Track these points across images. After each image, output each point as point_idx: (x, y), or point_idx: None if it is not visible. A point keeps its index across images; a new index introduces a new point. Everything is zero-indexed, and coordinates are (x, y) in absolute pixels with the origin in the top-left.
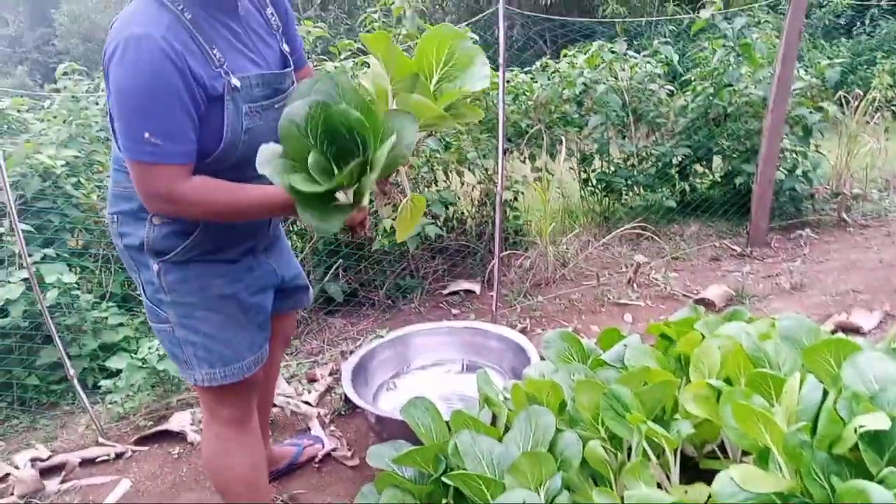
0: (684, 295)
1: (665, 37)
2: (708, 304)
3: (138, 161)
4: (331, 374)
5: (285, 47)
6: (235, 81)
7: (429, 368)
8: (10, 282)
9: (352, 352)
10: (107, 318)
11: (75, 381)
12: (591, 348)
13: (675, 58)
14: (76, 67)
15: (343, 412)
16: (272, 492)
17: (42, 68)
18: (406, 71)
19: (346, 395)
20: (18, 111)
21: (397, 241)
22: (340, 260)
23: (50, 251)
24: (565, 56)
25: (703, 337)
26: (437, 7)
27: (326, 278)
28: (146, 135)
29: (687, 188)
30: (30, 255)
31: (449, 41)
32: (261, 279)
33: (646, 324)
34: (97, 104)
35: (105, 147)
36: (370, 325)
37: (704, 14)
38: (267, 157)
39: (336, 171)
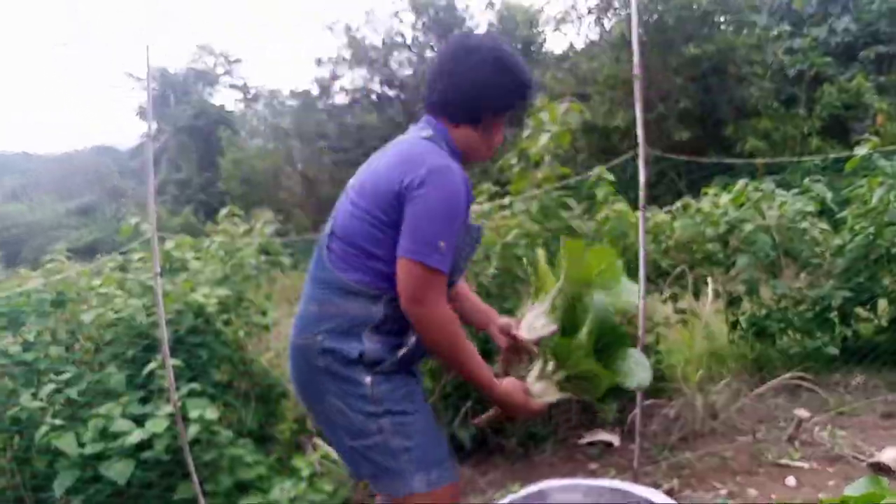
0: (854, 457)
1: (811, 173)
2: (884, 469)
3: (425, 263)
4: None
5: None
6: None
7: None
8: (156, 415)
9: None
10: (243, 455)
11: None
12: None
13: (829, 195)
14: (236, 212)
15: None
16: None
17: (206, 208)
18: (578, 278)
19: None
20: (181, 252)
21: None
22: (469, 402)
23: (196, 386)
24: (706, 194)
25: None
26: (571, 149)
27: (456, 422)
28: (441, 244)
29: (849, 334)
30: (177, 390)
31: (609, 257)
32: None
33: (811, 489)
34: (251, 245)
35: (252, 285)
36: (500, 475)
37: (860, 151)
38: None
39: None
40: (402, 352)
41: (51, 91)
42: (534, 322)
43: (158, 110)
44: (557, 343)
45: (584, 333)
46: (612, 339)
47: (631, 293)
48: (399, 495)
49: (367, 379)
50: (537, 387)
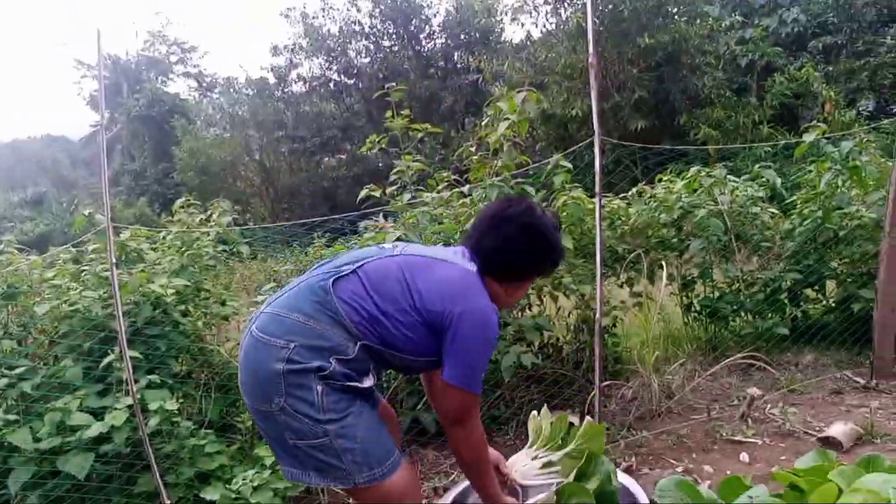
0: (805, 432)
1: (762, 159)
2: (833, 443)
3: (471, 391)
4: None
5: None
6: None
7: None
8: (115, 408)
9: (445, 488)
10: (204, 445)
11: None
12: (711, 498)
13: (778, 181)
14: (192, 201)
15: None
16: None
17: (161, 199)
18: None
19: None
20: (136, 242)
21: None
22: None
23: (155, 377)
24: (661, 181)
25: (841, 490)
26: (528, 136)
27: (419, 406)
28: (481, 374)
29: (799, 315)
30: (135, 382)
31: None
32: None
33: (764, 464)
34: (208, 235)
35: (210, 275)
36: None
37: (808, 137)
38: None
39: None
40: (354, 384)
41: None
42: (526, 471)
43: (111, 99)
44: (569, 484)
45: (591, 485)
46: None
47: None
48: (346, 486)
49: (318, 388)
50: None
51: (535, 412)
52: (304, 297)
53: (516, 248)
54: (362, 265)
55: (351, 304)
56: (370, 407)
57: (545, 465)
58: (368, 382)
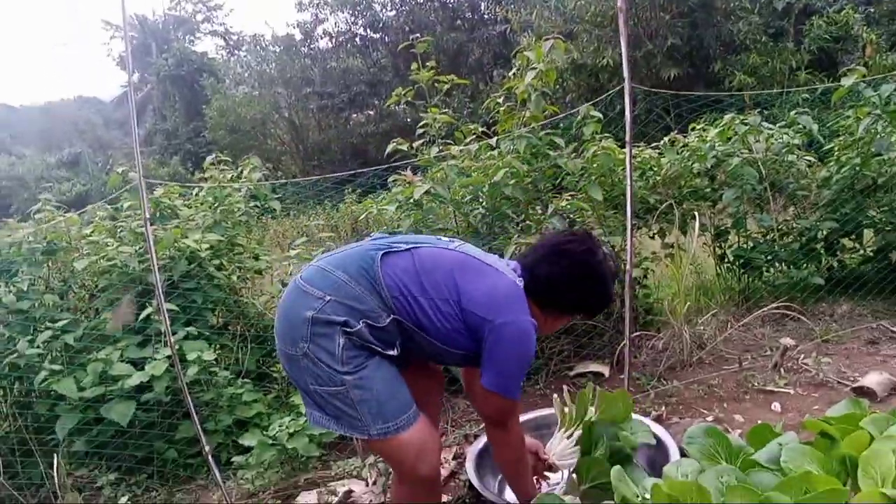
0: (839, 382)
1: (799, 106)
2: (867, 393)
3: (511, 398)
4: (454, 458)
5: None
6: None
7: None
8: (155, 358)
9: (476, 435)
10: (242, 394)
11: (209, 457)
12: (739, 445)
13: (815, 127)
14: (223, 158)
15: (467, 500)
16: None
17: (193, 157)
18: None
19: (470, 483)
20: (169, 199)
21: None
22: None
23: (192, 329)
24: (693, 130)
25: (872, 438)
26: (558, 87)
27: None
28: (520, 382)
29: (835, 264)
30: (173, 334)
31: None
32: None
33: (796, 414)
34: (240, 191)
35: (243, 230)
36: None
37: (847, 81)
38: None
39: None
40: (376, 349)
41: (27, 40)
42: (563, 451)
43: (140, 60)
44: (582, 461)
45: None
46: (621, 459)
47: (641, 430)
48: (358, 436)
49: (341, 340)
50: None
51: (556, 395)
52: (353, 260)
53: (567, 284)
54: (418, 247)
55: (394, 279)
56: (389, 363)
57: (578, 442)
58: (392, 353)
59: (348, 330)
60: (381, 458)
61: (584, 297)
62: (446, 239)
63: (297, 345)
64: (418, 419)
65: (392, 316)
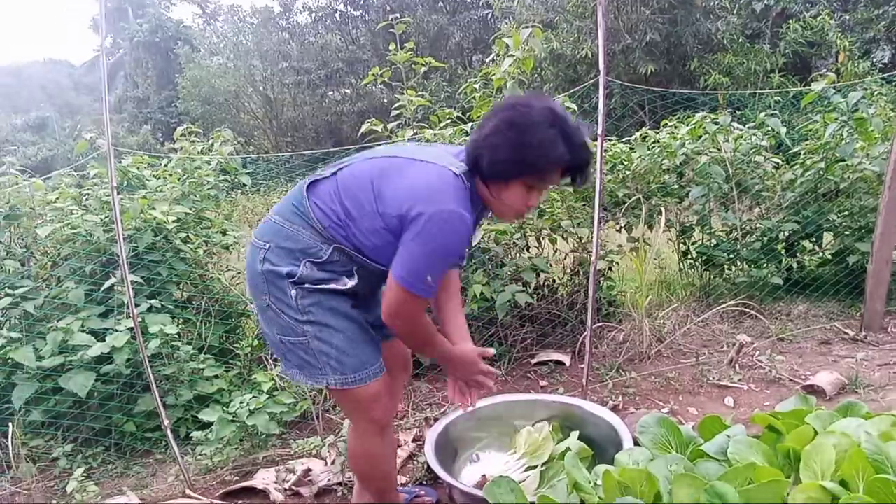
0: (791, 380)
1: (770, 108)
2: (817, 391)
3: (411, 292)
4: (414, 441)
5: None
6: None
7: None
8: (117, 330)
9: (436, 418)
10: (203, 369)
11: (168, 431)
12: (690, 436)
13: (783, 130)
14: (194, 129)
15: (424, 482)
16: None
17: (164, 127)
18: None
19: (428, 465)
20: (138, 168)
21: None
22: None
23: (156, 302)
24: (665, 126)
25: (816, 433)
26: (536, 76)
27: None
28: (428, 278)
29: (794, 265)
30: (136, 306)
31: None
32: (368, 311)
33: (748, 409)
34: (209, 164)
35: (212, 204)
36: None
37: (816, 87)
38: None
39: None
40: (332, 287)
41: None
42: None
43: (114, 24)
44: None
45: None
46: None
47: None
48: (318, 385)
49: (292, 292)
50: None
51: (522, 430)
52: (287, 201)
53: (496, 139)
54: (342, 168)
55: (321, 207)
56: (354, 312)
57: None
58: (351, 283)
59: (293, 279)
60: (341, 437)
61: (519, 149)
62: (382, 149)
63: (261, 297)
64: (377, 376)
65: (332, 246)
